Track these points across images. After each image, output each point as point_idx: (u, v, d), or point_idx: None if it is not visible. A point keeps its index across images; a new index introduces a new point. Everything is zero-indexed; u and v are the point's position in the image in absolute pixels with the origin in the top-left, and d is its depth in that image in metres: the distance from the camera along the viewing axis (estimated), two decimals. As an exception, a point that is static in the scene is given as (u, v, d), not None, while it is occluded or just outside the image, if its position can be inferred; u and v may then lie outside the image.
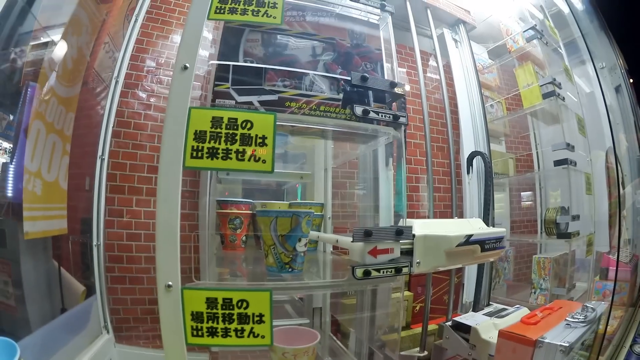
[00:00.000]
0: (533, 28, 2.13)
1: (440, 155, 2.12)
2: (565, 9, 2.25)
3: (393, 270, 1.08)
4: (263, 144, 0.94)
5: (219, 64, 1.05)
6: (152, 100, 2.00)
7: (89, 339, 1.65)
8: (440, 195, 2.04)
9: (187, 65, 0.93)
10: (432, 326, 1.84)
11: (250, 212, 1.40)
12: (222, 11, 1.03)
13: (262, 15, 1.05)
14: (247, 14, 1.05)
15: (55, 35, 1.43)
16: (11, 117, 1.28)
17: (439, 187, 2.07)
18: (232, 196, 1.66)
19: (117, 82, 1.88)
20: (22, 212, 1.26)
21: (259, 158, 0.93)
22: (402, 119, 1.15)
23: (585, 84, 2.38)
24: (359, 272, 1.02)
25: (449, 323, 1.70)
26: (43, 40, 1.39)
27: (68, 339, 1.51)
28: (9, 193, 1.27)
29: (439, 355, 1.81)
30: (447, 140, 1.94)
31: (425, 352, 1.79)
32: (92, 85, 1.73)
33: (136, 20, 1.98)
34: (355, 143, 1.43)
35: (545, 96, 2.08)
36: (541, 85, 2.09)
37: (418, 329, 1.85)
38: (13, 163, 1.27)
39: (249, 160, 0.93)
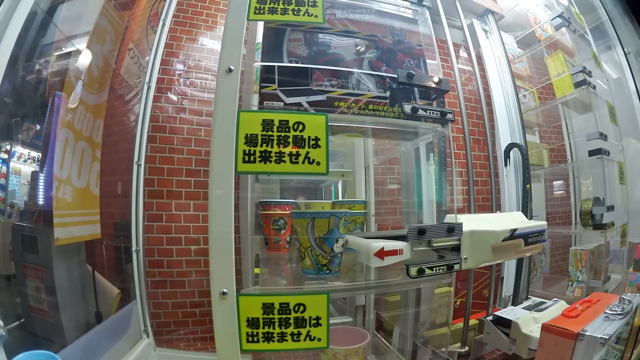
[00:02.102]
0: (560, 16, 2.11)
1: (477, 148, 2.10)
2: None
3: (445, 267, 1.07)
4: (316, 146, 0.93)
5: (263, 65, 1.03)
6: (185, 103, 2.01)
7: (130, 344, 1.68)
8: (477, 188, 2.03)
9: (232, 67, 0.93)
10: (472, 321, 1.83)
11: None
12: (261, 11, 1.03)
13: (304, 15, 1.05)
14: (288, 14, 1.05)
15: (79, 45, 1.45)
16: (38, 127, 1.30)
17: (477, 180, 2.05)
18: (270, 196, 1.65)
19: (149, 87, 1.90)
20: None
21: (313, 160, 0.92)
22: (449, 116, 1.14)
23: (612, 70, 2.34)
24: (413, 270, 1.02)
25: (490, 318, 1.70)
26: (66, 50, 1.40)
27: (109, 345, 1.54)
28: (40, 201, 1.31)
29: (479, 350, 1.80)
30: (483, 133, 1.93)
31: (466, 348, 1.78)
32: (120, 91, 1.75)
33: (164, 24, 1.99)
34: (399, 140, 1.42)
35: (577, 85, 2.06)
36: (572, 74, 2.05)
37: (458, 325, 1.83)
38: (43, 172, 1.30)
39: (303, 162, 0.91)
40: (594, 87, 2.07)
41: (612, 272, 2.16)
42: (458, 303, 1.90)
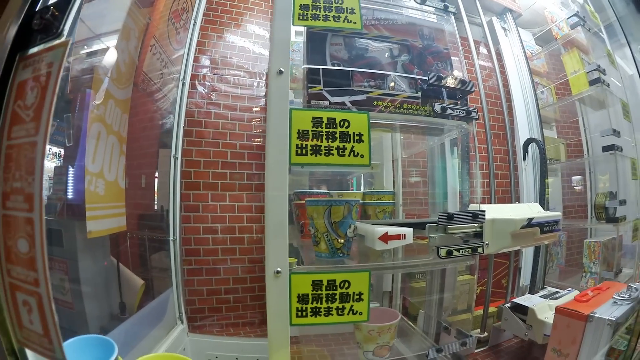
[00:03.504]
0: (576, 15, 2.25)
1: (497, 142, 2.26)
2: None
3: (470, 250, 1.24)
4: (360, 141, 1.09)
5: (309, 67, 1.20)
6: (218, 99, 2.17)
7: (166, 330, 1.82)
8: (497, 181, 2.18)
9: (282, 69, 1.08)
10: (491, 309, 1.99)
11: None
12: (305, 17, 1.18)
13: (343, 21, 1.21)
14: (329, 20, 1.20)
15: (108, 42, 1.57)
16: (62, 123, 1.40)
17: (497, 174, 2.21)
18: (299, 187, 1.82)
19: (184, 83, 2.06)
20: (85, 212, 1.37)
21: (358, 153, 1.09)
22: (473, 114, 1.31)
23: (626, 66, 2.48)
24: (442, 251, 1.19)
25: (508, 305, 1.87)
26: (95, 47, 1.52)
27: (148, 331, 1.68)
28: (68, 194, 1.41)
29: (497, 337, 1.97)
30: (502, 127, 2.09)
31: (485, 334, 1.94)
32: (142, 86, 1.87)
33: (195, 23, 2.15)
34: (427, 135, 1.59)
35: (592, 83, 2.21)
36: (587, 72, 2.21)
37: (478, 312, 2.00)
38: (73, 165, 1.40)
39: (348, 155, 1.08)
40: (608, 85, 2.22)
41: (624, 266, 2.31)
42: (478, 291, 2.07)
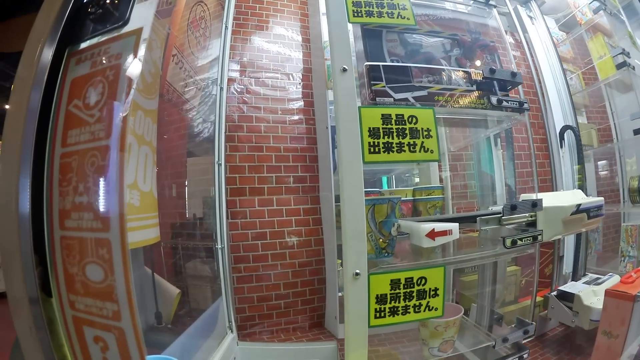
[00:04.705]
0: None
1: (533, 131, 2.33)
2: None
3: (531, 238, 1.30)
4: (429, 136, 1.16)
5: (371, 65, 1.26)
6: (257, 102, 2.25)
7: (217, 341, 1.87)
8: (537, 170, 2.25)
9: (345, 67, 1.11)
10: (537, 299, 2.05)
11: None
12: (359, 14, 1.23)
13: (397, 17, 1.27)
14: (384, 17, 1.27)
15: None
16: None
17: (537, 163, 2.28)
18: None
19: (221, 89, 2.10)
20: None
21: (428, 149, 1.15)
22: (525, 105, 1.38)
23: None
24: (508, 241, 1.26)
25: (554, 293, 1.93)
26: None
27: (201, 343, 1.72)
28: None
29: (542, 326, 2.04)
30: (537, 116, 2.16)
31: (534, 323, 2.01)
32: (168, 96, 1.91)
33: (226, 27, 2.20)
34: (477, 128, 1.65)
35: (619, 67, 2.29)
36: (613, 57, 2.29)
37: (525, 302, 2.06)
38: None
39: (419, 151, 1.14)
40: (634, 68, 2.31)
41: None
42: (524, 282, 2.14)
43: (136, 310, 0.75)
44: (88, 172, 0.80)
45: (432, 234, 1.18)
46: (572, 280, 2.06)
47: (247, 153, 2.15)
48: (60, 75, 0.89)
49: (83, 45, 0.92)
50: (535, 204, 1.33)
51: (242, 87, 2.26)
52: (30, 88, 0.84)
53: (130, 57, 0.86)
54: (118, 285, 0.75)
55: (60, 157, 0.84)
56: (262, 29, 2.36)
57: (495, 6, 1.54)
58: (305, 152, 2.24)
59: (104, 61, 0.87)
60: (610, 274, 2.04)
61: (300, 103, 2.31)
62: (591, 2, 2.37)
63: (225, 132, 2.09)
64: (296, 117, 2.30)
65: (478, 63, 1.44)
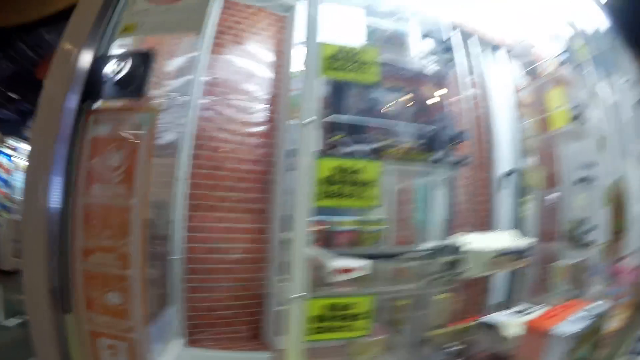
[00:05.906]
0: (564, 52, 2.58)
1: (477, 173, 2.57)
2: (590, 25, 2.64)
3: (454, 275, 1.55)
4: (374, 186, 1.38)
5: (333, 117, 1.48)
6: (222, 124, 2.46)
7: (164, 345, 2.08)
8: (478, 207, 2.49)
9: (311, 120, 1.31)
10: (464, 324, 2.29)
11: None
12: (333, 68, 1.41)
13: (364, 73, 1.47)
14: (352, 72, 1.45)
15: None
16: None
17: (478, 201, 2.51)
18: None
19: (189, 105, 2.30)
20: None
21: (372, 197, 1.38)
22: (467, 160, 1.63)
23: (609, 97, 2.79)
24: (434, 279, 1.49)
25: (481, 320, 2.17)
26: None
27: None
28: None
29: (468, 351, 2.28)
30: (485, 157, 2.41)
31: (460, 347, 2.25)
32: None
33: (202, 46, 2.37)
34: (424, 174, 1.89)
35: (573, 119, 2.53)
36: (570, 109, 2.54)
37: (455, 327, 2.30)
38: None
39: (365, 198, 1.37)
40: (588, 120, 2.55)
41: (592, 284, 2.65)
42: (455, 307, 2.37)
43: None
44: (112, 223, 0.97)
45: (339, 271, 1.43)
46: (503, 309, 2.29)
47: (207, 171, 2.37)
48: (79, 129, 1.00)
49: (102, 105, 1.04)
50: (457, 248, 1.57)
51: (210, 105, 2.44)
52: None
53: (149, 130, 0.98)
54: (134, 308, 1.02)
55: (84, 208, 1.00)
56: (236, 49, 2.53)
57: (452, 55, 1.75)
58: (263, 174, 2.45)
59: (125, 128, 0.98)
60: (541, 305, 2.24)
61: (264, 127, 2.50)
62: (557, 56, 2.59)
63: (189, 148, 2.28)
64: (258, 140, 2.51)
65: (429, 117, 1.67)
